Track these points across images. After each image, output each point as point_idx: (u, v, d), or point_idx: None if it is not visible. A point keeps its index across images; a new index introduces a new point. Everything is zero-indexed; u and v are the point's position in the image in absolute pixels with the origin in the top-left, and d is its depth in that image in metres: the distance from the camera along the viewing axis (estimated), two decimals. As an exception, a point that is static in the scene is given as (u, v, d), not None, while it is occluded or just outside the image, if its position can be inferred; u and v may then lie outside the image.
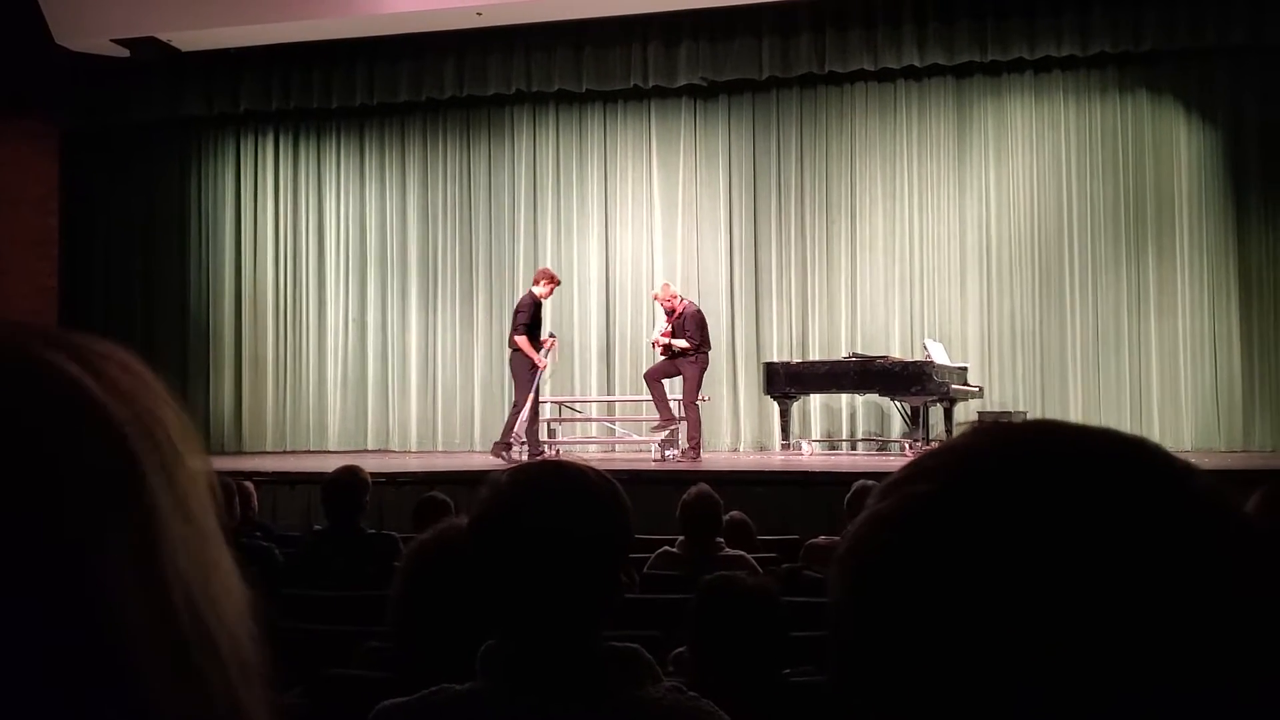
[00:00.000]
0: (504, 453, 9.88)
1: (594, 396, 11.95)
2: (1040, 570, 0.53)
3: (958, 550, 0.54)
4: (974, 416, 10.61)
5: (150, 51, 11.87)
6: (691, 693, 1.52)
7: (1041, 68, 11.66)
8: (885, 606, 0.56)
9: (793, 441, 10.93)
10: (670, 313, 10.24)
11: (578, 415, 11.70)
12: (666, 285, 10.64)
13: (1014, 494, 0.55)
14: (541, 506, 1.53)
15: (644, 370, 10.53)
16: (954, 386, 10.27)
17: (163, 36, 11.69)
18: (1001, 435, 0.59)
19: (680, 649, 2.69)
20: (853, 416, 11.97)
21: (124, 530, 0.47)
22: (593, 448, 11.45)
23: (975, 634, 0.53)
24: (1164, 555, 0.53)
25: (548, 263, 12.40)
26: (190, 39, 11.80)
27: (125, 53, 11.96)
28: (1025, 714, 0.52)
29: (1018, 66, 11.65)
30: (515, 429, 9.98)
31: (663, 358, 10.24)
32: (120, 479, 0.48)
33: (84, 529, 0.46)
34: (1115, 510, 0.54)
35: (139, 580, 0.47)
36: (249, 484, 6.70)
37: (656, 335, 10.32)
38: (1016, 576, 0.53)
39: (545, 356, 10.12)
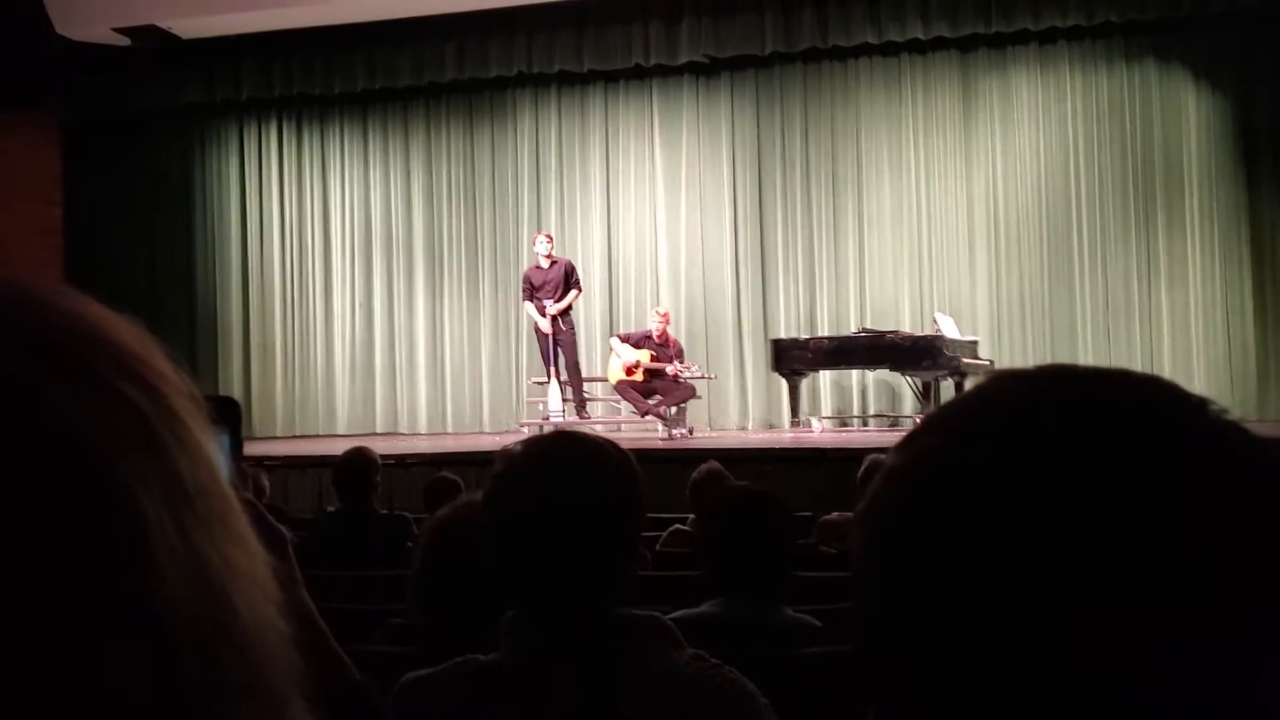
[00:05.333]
0: (581, 412, 10.64)
1: (598, 375, 11.94)
2: (1060, 516, 0.51)
3: (976, 502, 0.53)
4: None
5: (151, 39, 11.86)
6: (714, 660, 1.52)
7: (1046, 39, 11.62)
8: (906, 563, 0.55)
9: (802, 419, 10.92)
10: (664, 339, 10.39)
11: (587, 395, 11.71)
12: (668, 313, 10.86)
13: (1029, 441, 0.54)
14: (555, 476, 1.53)
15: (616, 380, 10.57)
16: (964, 360, 10.25)
17: (163, 24, 11.67)
18: (1014, 382, 0.58)
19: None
20: (863, 393, 11.96)
21: (156, 480, 0.45)
22: (599, 427, 11.45)
23: (999, 586, 0.52)
24: (1184, 491, 0.51)
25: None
26: (191, 26, 11.77)
27: (126, 41, 11.94)
28: (1053, 668, 0.51)
29: (1022, 38, 11.61)
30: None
31: (634, 377, 10.32)
32: (145, 427, 0.46)
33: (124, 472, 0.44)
34: (1131, 449, 0.53)
35: (174, 532, 0.45)
36: (260, 470, 6.72)
37: (639, 358, 10.31)
38: (1037, 524, 0.52)
39: (545, 321, 10.46)
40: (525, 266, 12.58)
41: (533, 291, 10.61)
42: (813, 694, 2.18)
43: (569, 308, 10.62)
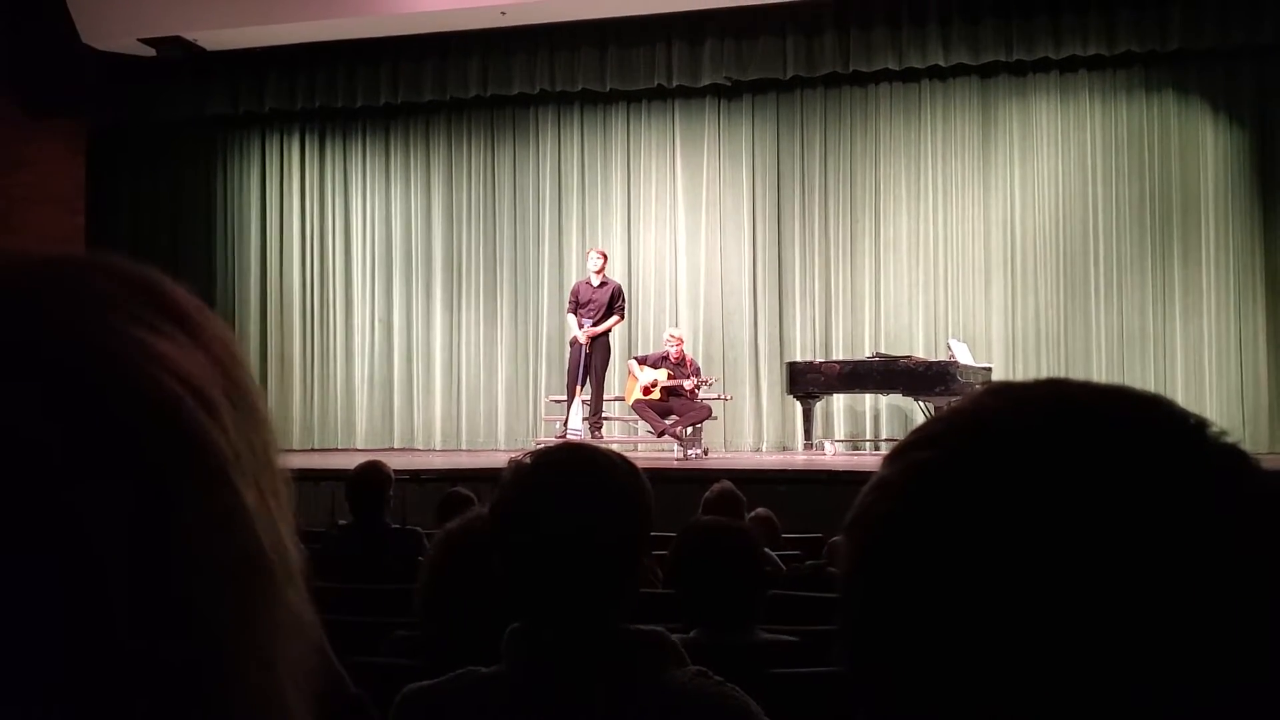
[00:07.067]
0: (596, 431, 10.45)
1: (615, 395, 11.94)
2: (1052, 534, 0.51)
3: (964, 518, 0.53)
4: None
5: (176, 51, 11.94)
6: (717, 677, 1.52)
7: (1067, 68, 11.61)
8: (892, 577, 0.54)
9: (815, 441, 10.90)
10: (680, 360, 10.36)
11: (605, 416, 11.72)
12: (682, 337, 10.78)
13: (1022, 457, 0.53)
14: (562, 487, 1.53)
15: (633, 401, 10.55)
16: (978, 387, 10.21)
17: (189, 36, 11.76)
18: (1008, 397, 0.57)
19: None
20: (876, 417, 11.93)
21: (203, 491, 0.47)
22: (614, 447, 11.44)
23: (985, 603, 0.51)
24: (1178, 515, 0.51)
25: (572, 262, 12.45)
26: (216, 38, 11.86)
27: (151, 52, 12.03)
28: (1041, 683, 0.50)
29: (1043, 66, 11.60)
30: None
31: (651, 396, 10.29)
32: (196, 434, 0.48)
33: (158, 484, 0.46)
34: (1127, 471, 0.52)
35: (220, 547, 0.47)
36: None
37: (656, 378, 10.28)
38: (1028, 541, 0.51)
39: (583, 333, 10.41)
40: (545, 283, 12.65)
41: (576, 307, 10.54)
42: (795, 714, 2.18)
43: (606, 332, 10.53)
